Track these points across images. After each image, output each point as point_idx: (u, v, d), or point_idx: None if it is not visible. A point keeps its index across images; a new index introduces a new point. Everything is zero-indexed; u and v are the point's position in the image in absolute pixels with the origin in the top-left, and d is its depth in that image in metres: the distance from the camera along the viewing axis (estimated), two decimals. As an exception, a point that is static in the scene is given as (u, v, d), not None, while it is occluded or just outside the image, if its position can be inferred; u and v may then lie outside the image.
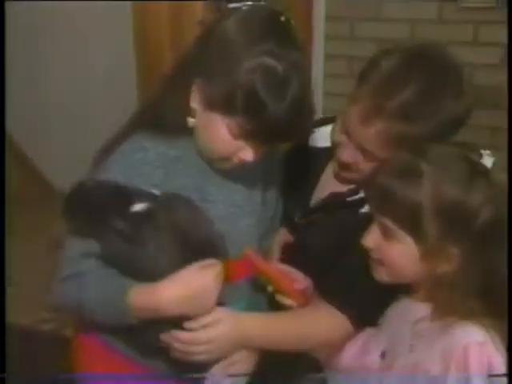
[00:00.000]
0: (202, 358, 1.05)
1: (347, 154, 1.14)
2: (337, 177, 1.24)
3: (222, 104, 0.98)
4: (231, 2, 1.06)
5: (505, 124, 2.18)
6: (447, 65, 1.10)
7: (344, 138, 1.14)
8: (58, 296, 1.09)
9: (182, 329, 1.02)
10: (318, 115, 1.18)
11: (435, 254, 0.92)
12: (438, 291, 0.93)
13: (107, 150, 1.09)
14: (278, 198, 1.26)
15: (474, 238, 0.90)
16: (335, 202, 1.21)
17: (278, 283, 1.12)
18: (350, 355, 1.07)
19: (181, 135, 1.08)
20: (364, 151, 1.12)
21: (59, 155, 3.24)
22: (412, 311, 0.98)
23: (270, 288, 1.13)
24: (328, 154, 1.26)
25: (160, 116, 1.07)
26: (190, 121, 1.05)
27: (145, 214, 1.02)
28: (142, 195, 1.04)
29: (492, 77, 2.21)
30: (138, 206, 1.03)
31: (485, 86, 2.23)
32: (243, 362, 1.10)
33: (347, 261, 1.11)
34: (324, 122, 1.32)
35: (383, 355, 1.01)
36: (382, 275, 0.99)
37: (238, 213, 1.14)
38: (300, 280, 1.14)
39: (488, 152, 0.97)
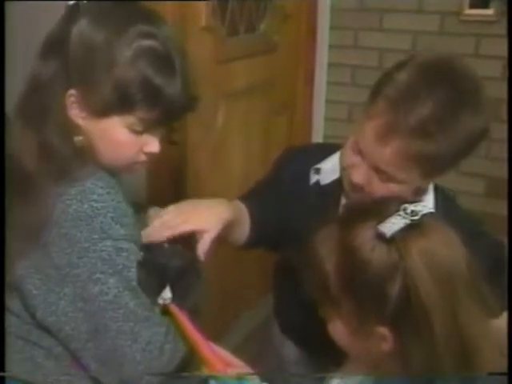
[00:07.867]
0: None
1: (360, 176, 1.07)
2: (347, 198, 1.16)
3: (119, 105, 0.91)
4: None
5: (504, 136, 2.19)
6: (466, 78, 1.04)
7: (357, 159, 1.07)
8: None
9: None
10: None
11: (364, 333, 0.84)
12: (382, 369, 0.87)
13: None
14: None
15: (394, 317, 0.80)
16: None
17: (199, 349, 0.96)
18: None
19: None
20: (379, 171, 1.05)
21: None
22: None
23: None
24: (338, 186, 1.19)
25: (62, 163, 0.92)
26: (78, 140, 0.94)
27: None
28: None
29: (492, 89, 2.22)
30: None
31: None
32: None
33: None
34: (327, 151, 1.25)
35: None
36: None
37: None
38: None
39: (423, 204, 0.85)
